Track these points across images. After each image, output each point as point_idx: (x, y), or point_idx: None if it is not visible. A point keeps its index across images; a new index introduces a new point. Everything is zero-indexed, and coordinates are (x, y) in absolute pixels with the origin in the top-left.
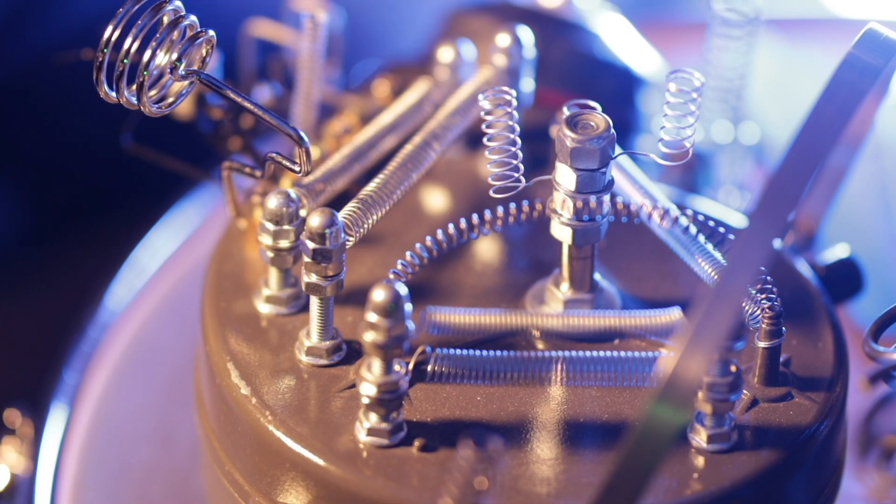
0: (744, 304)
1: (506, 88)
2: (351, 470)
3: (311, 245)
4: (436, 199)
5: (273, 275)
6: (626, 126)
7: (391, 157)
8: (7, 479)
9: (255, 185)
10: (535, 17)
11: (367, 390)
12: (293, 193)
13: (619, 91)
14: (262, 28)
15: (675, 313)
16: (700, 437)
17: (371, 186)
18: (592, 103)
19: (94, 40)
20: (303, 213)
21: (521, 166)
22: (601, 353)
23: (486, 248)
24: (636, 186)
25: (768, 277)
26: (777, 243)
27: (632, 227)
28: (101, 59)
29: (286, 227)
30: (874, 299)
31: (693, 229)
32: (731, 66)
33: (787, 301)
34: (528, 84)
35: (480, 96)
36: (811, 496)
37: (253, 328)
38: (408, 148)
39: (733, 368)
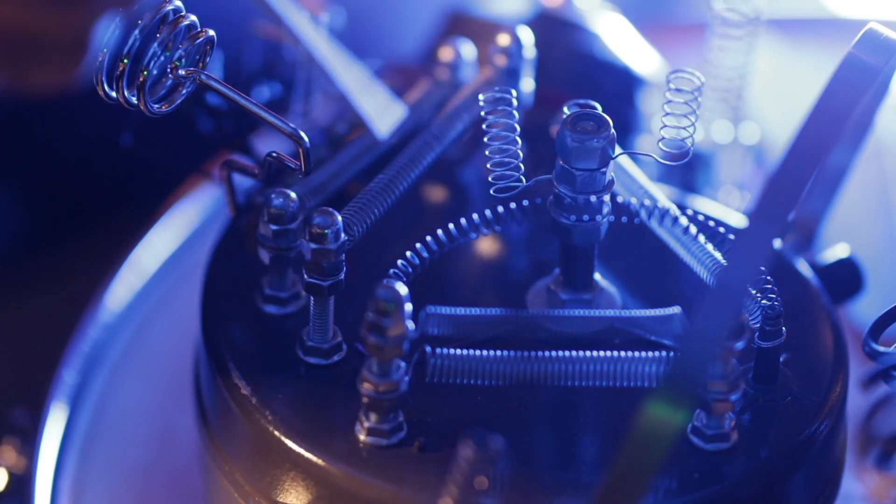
0: (744, 304)
1: (506, 88)
2: (351, 470)
3: (311, 245)
4: (436, 199)
5: (273, 275)
6: (626, 126)
7: (391, 157)
8: (7, 479)
9: (255, 185)
10: (536, 17)
11: (367, 390)
12: (293, 193)
13: (619, 91)
14: (264, 28)
15: (675, 313)
16: (700, 437)
17: (371, 186)
18: (592, 103)
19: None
20: (303, 213)
21: (522, 166)
22: (601, 353)
23: (486, 248)
24: (636, 186)
25: (768, 277)
26: (777, 243)
27: (632, 227)
28: (101, 59)
29: (286, 227)
30: (874, 299)
31: (693, 229)
32: (731, 66)
33: (787, 301)
34: (528, 84)
35: (480, 96)
36: (811, 496)
37: (253, 328)
38: (408, 148)
39: (733, 368)
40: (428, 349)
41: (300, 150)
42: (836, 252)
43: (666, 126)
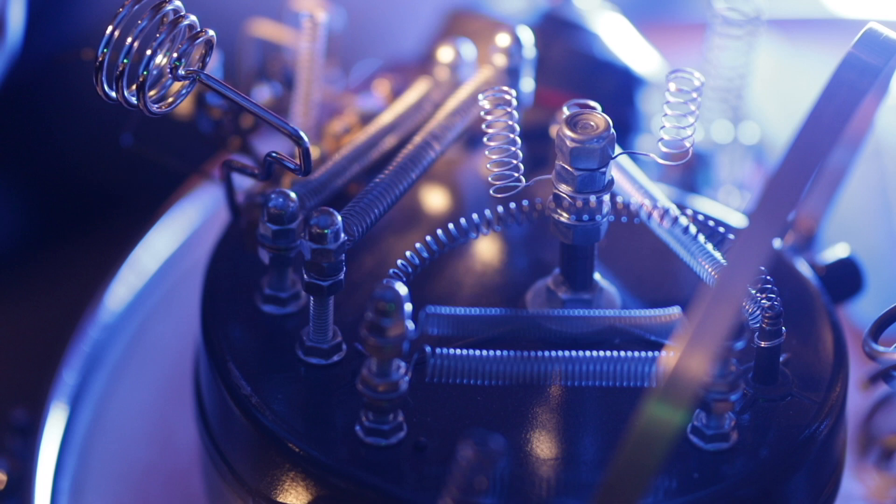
0: (744, 304)
1: (506, 88)
2: (351, 470)
3: (311, 245)
4: (436, 199)
5: (273, 275)
6: (626, 126)
7: (391, 157)
8: (7, 479)
9: (255, 185)
10: (536, 16)
11: (367, 390)
12: (293, 193)
13: (619, 91)
14: (262, 28)
15: (675, 313)
16: (700, 437)
17: (371, 186)
18: (592, 103)
19: (95, 42)
20: (303, 213)
21: (521, 166)
22: (601, 353)
23: (486, 248)
24: (636, 186)
25: (768, 277)
26: (777, 243)
27: (632, 227)
28: (100, 59)
29: (286, 227)
30: (874, 299)
31: (693, 229)
32: (731, 66)
33: (787, 301)
34: (528, 84)
35: (480, 96)
36: (811, 496)
37: (253, 328)
38: (408, 148)
39: (733, 368)
40: (428, 349)
41: (300, 150)
42: (836, 252)
43: (666, 126)
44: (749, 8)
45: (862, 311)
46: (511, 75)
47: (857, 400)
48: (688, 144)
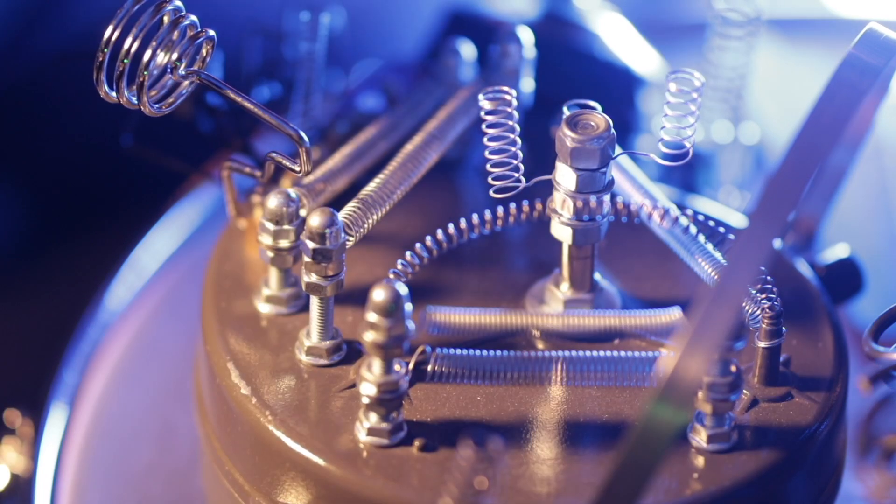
0: (744, 304)
1: (506, 88)
2: (351, 470)
3: (311, 245)
4: (436, 199)
5: (273, 275)
6: (626, 126)
7: (391, 157)
8: (7, 479)
9: (255, 185)
10: (537, 16)
11: (367, 390)
12: (293, 193)
13: (619, 91)
14: (263, 28)
15: (675, 313)
16: (700, 437)
17: (371, 186)
18: (592, 103)
19: (95, 42)
20: (303, 213)
21: (521, 166)
22: (601, 353)
23: (486, 248)
24: (636, 186)
25: (768, 277)
26: (777, 243)
27: (632, 227)
28: (101, 59)
29: (286, 227)
30: (874, 299)
31: (693, 229)
32: (731, 66)
33: (787, 301)
34: (528, 84)
35: (480, 96)
36: (811, 496)
37: (253, 328)
38: (408, 148)
39: (733, 368)
40: (428, 349)
41: (300, 150)
42: (836, 252)
43: (666, 126)
44: (749, 8)
45: (862, 311)
46: (511, 75)
47: (857, 400)
48: (688, 144)
